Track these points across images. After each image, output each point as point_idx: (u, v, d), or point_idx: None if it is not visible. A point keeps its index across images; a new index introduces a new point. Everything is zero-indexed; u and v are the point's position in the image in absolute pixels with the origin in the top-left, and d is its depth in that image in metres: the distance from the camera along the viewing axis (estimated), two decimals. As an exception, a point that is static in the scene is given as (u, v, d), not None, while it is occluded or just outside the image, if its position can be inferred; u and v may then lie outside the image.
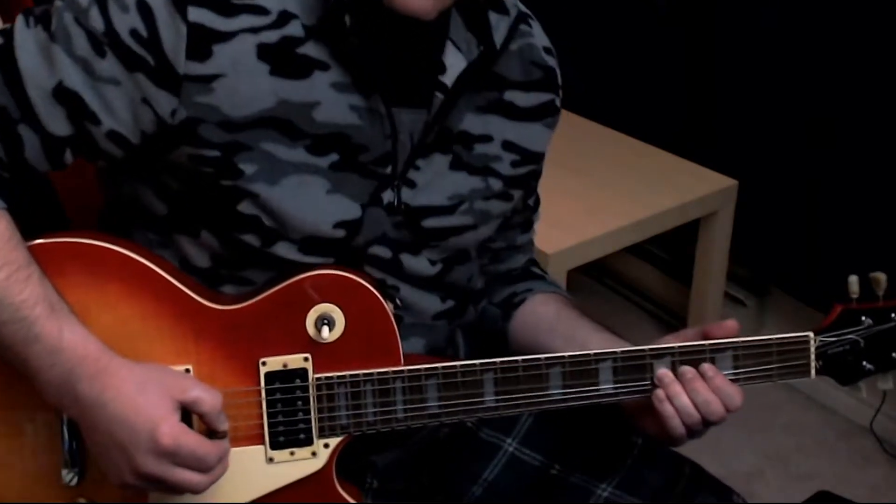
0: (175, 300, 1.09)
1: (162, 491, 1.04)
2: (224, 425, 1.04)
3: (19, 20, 1.06)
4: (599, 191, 2.33)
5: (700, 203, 2.36)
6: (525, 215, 1.35)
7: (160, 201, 1.13)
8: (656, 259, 2.89)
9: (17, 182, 1.07)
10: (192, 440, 1.01)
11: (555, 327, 1.27)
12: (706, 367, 1.14)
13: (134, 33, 1.03)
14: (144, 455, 0.99)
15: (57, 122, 1.05)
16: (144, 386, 1.01)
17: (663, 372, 1.14)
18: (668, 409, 1.13)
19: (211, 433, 1.04)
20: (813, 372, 1.19)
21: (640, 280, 2.94)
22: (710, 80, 2.55)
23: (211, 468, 1.03)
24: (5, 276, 1.00)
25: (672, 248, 2.81)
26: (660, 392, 1.13)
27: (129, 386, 1.00)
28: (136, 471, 1.00)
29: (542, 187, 1.36)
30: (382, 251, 1.16)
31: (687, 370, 1.13)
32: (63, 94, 1.04)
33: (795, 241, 2.43)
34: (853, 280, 1.18)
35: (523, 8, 1.25)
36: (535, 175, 1.31)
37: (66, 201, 1.30)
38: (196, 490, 1.03)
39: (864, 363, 1.20)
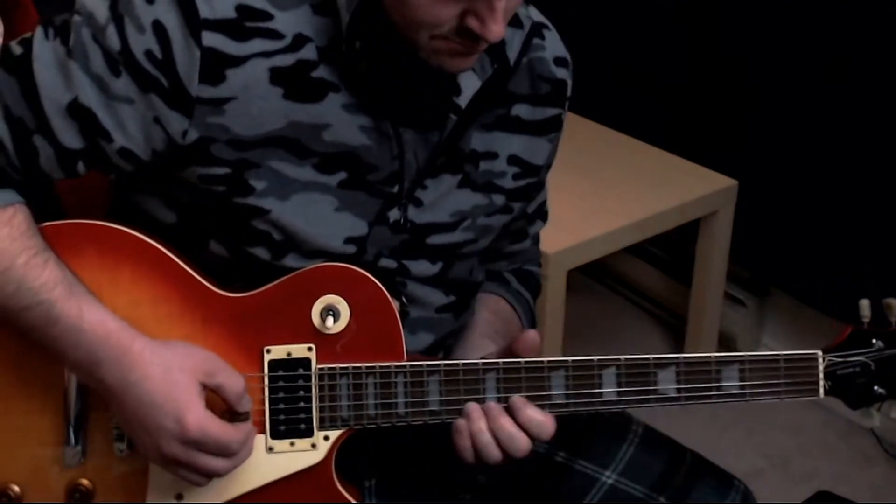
0: (185, 285, 1.10)
1: (187, 474, 1.06)
2: (247, 406, 1.06)
3: (39, 31, 1.07)
4: (599, 191, 2.33)
5: (700, 203, 2.36)
6: (518, 224, 1.34)
7: (169, 211, 1.14)
8: (656, 259, 2.89)
9: (30, 184, 1.09)
10: (217, 428, 1.03)
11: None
12: (516, 399, 1.11)
13: (149, 54, 1.04)
14: (170, 441, 1.02)
15: (70, 136, 1.06)
16: (169, 370, 1.03)
17: (472, 406, 1.11)
18: (464, 443, 1.11)
19: (233, 414, 1.06)
20: (822, 391, 1.16)
21: (640, 280, 2.93)
22: (710, 80, 2.55)
23: (234, 454, 1.05)
24: (24, 261, 1.02)
25: (672, 248, 2.81)
26: (461, 423, 1.11)
27: (155, 370, 1.02)
28: (162, 455, 1.03)
29: (543, 187, 1.36)
30: (389, 263, 1.18)
31: (493, 406, 1.11)
32: (77, 110, 1.05)
33: (795, 241, 2.43)
34: (864, 304, 1.16)
35: (537, 17, 1.24)
36: (536, 187, 1.31)
37: (66, 196, 1.30)
38: (221, 475, 1.06)
39: (876, 388, 1.17)
